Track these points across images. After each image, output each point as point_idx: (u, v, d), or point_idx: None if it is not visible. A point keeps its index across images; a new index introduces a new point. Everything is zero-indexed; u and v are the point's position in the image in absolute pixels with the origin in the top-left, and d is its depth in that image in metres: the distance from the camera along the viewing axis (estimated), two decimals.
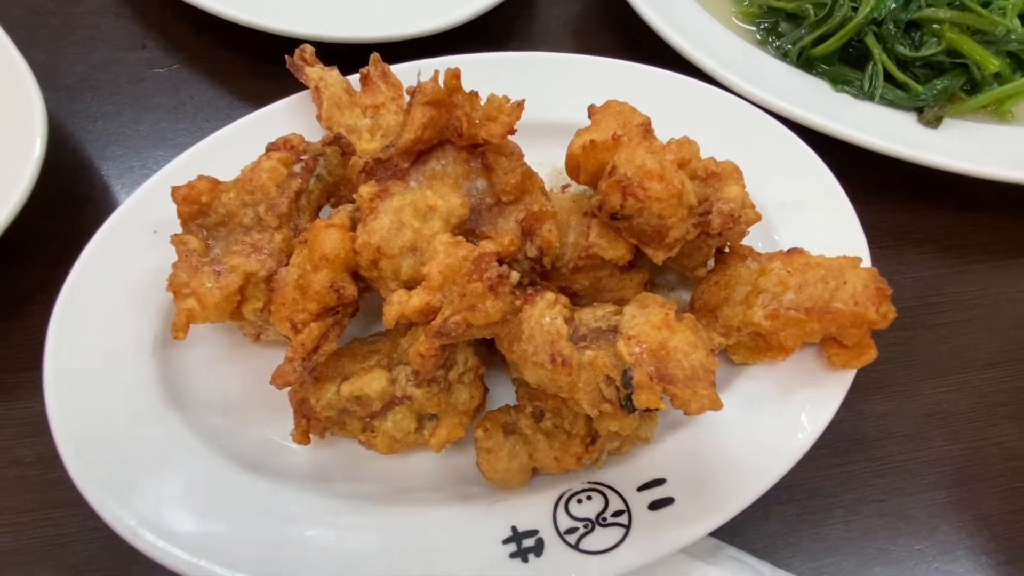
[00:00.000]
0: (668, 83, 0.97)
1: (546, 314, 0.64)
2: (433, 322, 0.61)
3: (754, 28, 1.17)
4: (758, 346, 0.77)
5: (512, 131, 0.70)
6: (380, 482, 0.72)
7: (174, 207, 0.72)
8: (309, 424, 0.69)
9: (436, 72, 0.69)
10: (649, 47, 1.07)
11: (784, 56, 1.11)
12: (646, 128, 0.75)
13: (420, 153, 0.71)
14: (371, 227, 0.66)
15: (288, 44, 0.95)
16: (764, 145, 0.92)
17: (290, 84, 0.91)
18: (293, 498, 0.68)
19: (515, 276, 0.61)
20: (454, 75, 0.68)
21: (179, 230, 0.72)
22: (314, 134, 0.81)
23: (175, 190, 0.71)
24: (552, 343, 0.63)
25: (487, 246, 0.67)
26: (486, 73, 0.90)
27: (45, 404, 0.69)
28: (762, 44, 1.14)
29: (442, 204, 0.68)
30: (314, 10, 1.04)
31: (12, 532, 0.73)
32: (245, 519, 0.67)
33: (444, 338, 0.60)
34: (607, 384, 0.62)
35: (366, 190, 0.68)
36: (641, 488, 0.70)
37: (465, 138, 0.69)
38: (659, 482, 0.71)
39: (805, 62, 1.10)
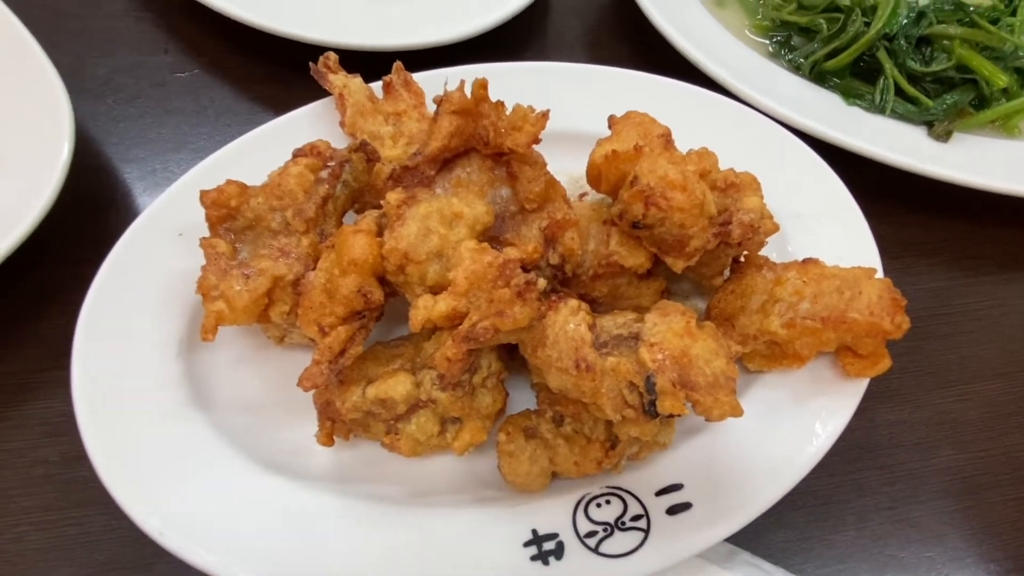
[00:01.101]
0: (683, 94, 0.98)
1: (570, 320, 0.66)
2: (461, 327, 0.62)
3: (767, 41, 1.18)
4: (774, 354, 0.78)
5: (537, 140, 0.71)
6: (401, 484, 0.73)
7: (199, 210, 0.72)
8: (334, 426, 0.70)
9: (462, 81, 0.70)
10: (662, 58, 1.08)
11: (797, 69, 1.13)
12: (667, 139, 0.76)
13: (446, 161, 0.72)
14: (399, 233, 0.67)
15: (306, 51, 0.97)
16: (778, 156, 0.93)
17: (308, 90, 0.92)
18: (317, 499, 0.69)
19: (542, 283, 0.62)
20: (481, 85, 0.69)
21: (204, 233, 0.73)
22: (336, 141, 0.82)
23: (204, 194, 0.72)
24: (576, 349, 0.64)
25: (511, 253, 0.67)
26: (505, 82, 0.90)
27: (72, 404, 0.70)
28: (774, 57, 1.16)
29: (468, 211, 0.69)
30: (333, 18, 1.05)
31: (37, 530, 0.74)
32: (269, 519, 0.68)
33: (472, 343, 0.61)
34: (630, 390, 0.63)
35: (394, 196, 0.69)
36: (659, 493, 0.71)
37: (491, 147, 0.71)
38: (676, 487, 0.72)
39: (817, 75, 1.11)
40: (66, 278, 0.87)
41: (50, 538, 0.74)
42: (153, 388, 0.72)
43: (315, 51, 0.95)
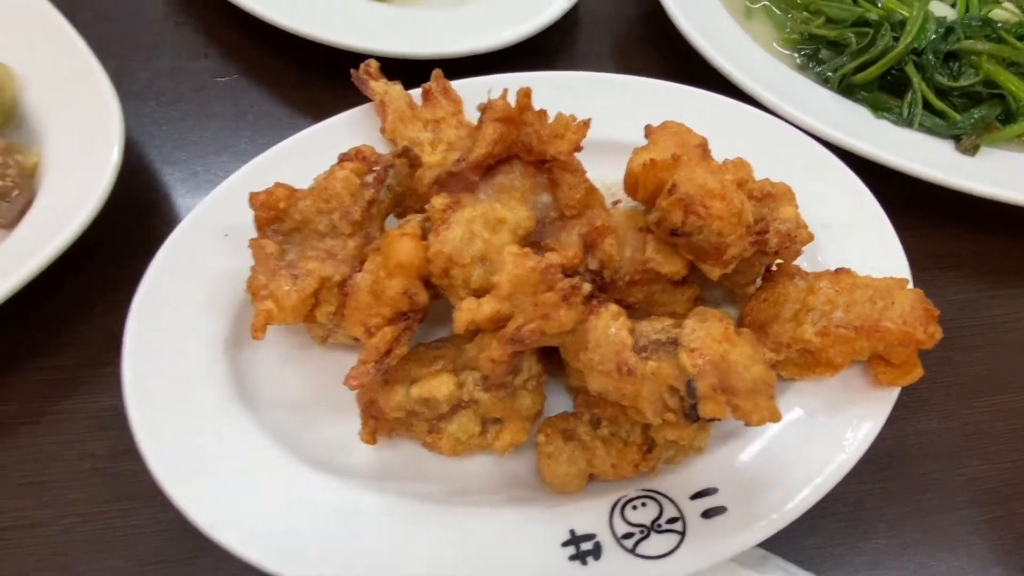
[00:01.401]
0: (714, 105, 0.99)
1: (611, 325, 0.67)
2: (506, 329, 0.64)
3: (794, 54, 1.20)
4: (807, 362, 0.79)
5: (579, 148, 0.73)
6: (440, 483, 0.74)
7: (244, 212, 0.74)
8: (377, 424, 0.72)
9: (505, 90, 0.72)
10: (690, 69, 1.10)
11: (825, 82, 1.14)
12: (704, 149, 0.78)
13: (489, 167, 0.74)
14: (444, 237, 0.69)
15: (342, 57, 0.98)
16: (807, 167, 0.94)
17: (346, 95, 0.93)
18: (360, 497, 0.70)
19: (587, 287, 0.63)
20: (525, 94, 0.71)
21: (249, 235, 0.75)
22: (375, 146, 0.83)
23: (253, 196, 0.74)
24: (618, 353, 0.65)
25: (552, 258, 0.69)
26: (541, 90, 0.92)
27: (120, 399, 0.71)
28: (802, 69, 1.17)
29: (510, 216, 0.71)
30: (371, 26, 1.07)
31: (85, 522, 0.76)
32: (315, 515, 0.69)
33: (517, 345, 0.63)
34: (670, 394, 0.64)
35: (439, 201, 0.70)
36: (694, 496, 0.72)
37: (533, 154, 0.72)
38: (711, 491, 0.73)
39: (846, 88, 1.13)
40: (111, 277, 0.89)
41: (97, 530, 0.75)
42: (200, 385, 0.74)
43: (351, 57, 0.97)
